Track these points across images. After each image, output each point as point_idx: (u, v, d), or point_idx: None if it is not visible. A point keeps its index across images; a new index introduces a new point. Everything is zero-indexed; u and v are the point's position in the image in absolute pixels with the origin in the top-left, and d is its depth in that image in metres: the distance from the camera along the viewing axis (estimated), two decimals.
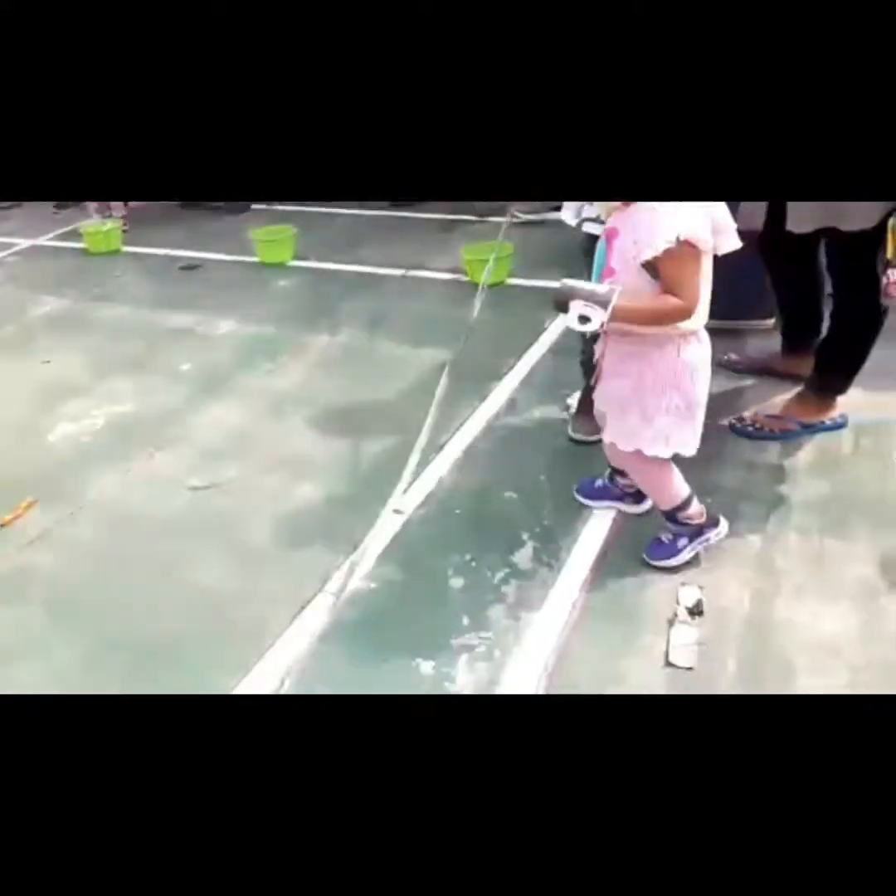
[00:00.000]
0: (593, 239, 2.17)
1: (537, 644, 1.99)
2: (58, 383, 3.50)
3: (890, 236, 2.42)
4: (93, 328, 4.06)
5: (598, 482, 2.45)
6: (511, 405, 3.06)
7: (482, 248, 4.06)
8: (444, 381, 2.77)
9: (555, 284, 1.94)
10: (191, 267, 4.74)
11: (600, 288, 1.88)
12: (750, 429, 2.72)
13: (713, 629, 1.97)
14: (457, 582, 2.20)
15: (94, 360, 3.68)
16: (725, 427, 2.77)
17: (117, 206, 5.52)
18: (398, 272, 4.44)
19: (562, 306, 1.90)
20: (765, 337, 3.26)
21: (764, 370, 3.08)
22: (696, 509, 2.17)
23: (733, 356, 3.17)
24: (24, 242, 5.42)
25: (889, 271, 2.51)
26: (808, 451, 2.61)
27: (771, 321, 3.32)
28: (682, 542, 2.19)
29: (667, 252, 1.81)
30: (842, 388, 2.69)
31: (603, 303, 1.85)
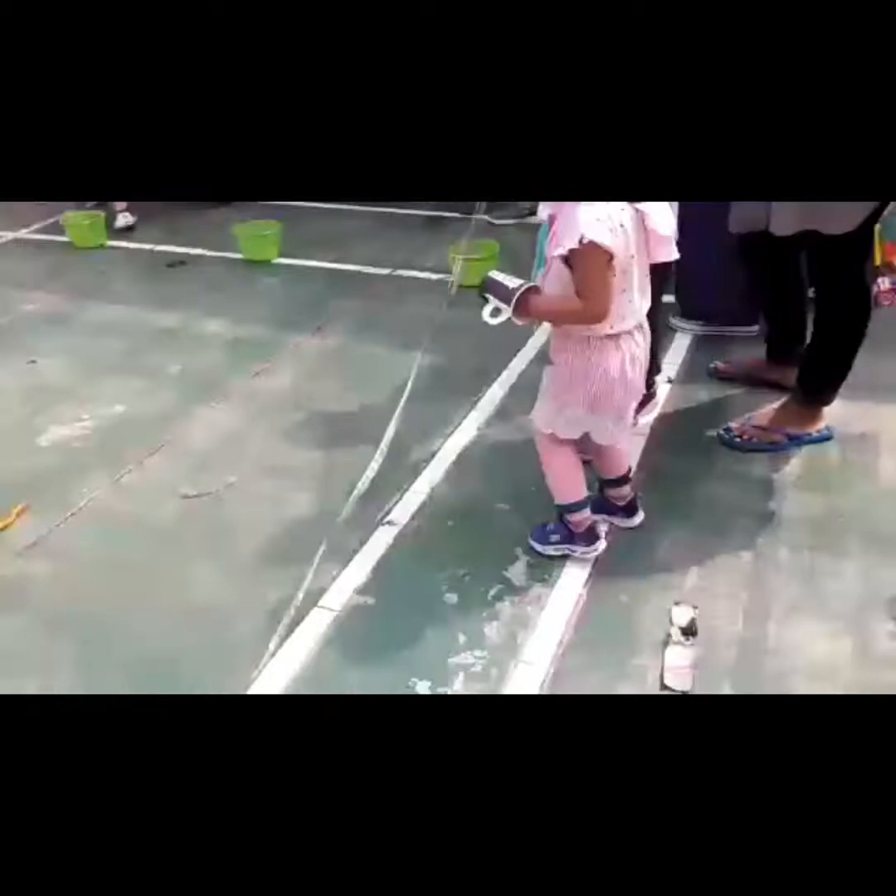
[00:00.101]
0: None
1: (533, 664, 2.01)
2: (45, 385, 3.47)
3: (877, 243, 2.46)
4: (79, 327, 4.02)
5: (590, 495, 2.47)
6: (501, 411, 3.08)
7: (469, 247, 4.06)
8: (409, 387, 2.77)
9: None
10: (176, 263, 4.70)
11: (512, 283, 1.99)
12: (737, 440, 2.75)
13: (706, 650, 2.01)
14: (451, 597, 2.22)
15: (81, 361, 3.65)
16: (713, 437, 2.80)
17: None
18: (385, 271, 4.43)
19: (484, 298, 2.02)
20: (751, 344, 3.29)
21: (749, 379, 3.12)
22: (579, 518, 2.27)
23: (720, 364, 3.20)
24: (7, 235, 5.34)
25: (879, 279, 2.55)
26: (795, 464, 2.65)
27: (756, 328, 3.35)
28: (555, 537, 2.32)
29: (573, 252, 1.86)
30: (827, 398, 2.72)
31: (508, 298, 1.96)
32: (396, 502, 2.60)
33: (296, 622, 2.16)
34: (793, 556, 2.28)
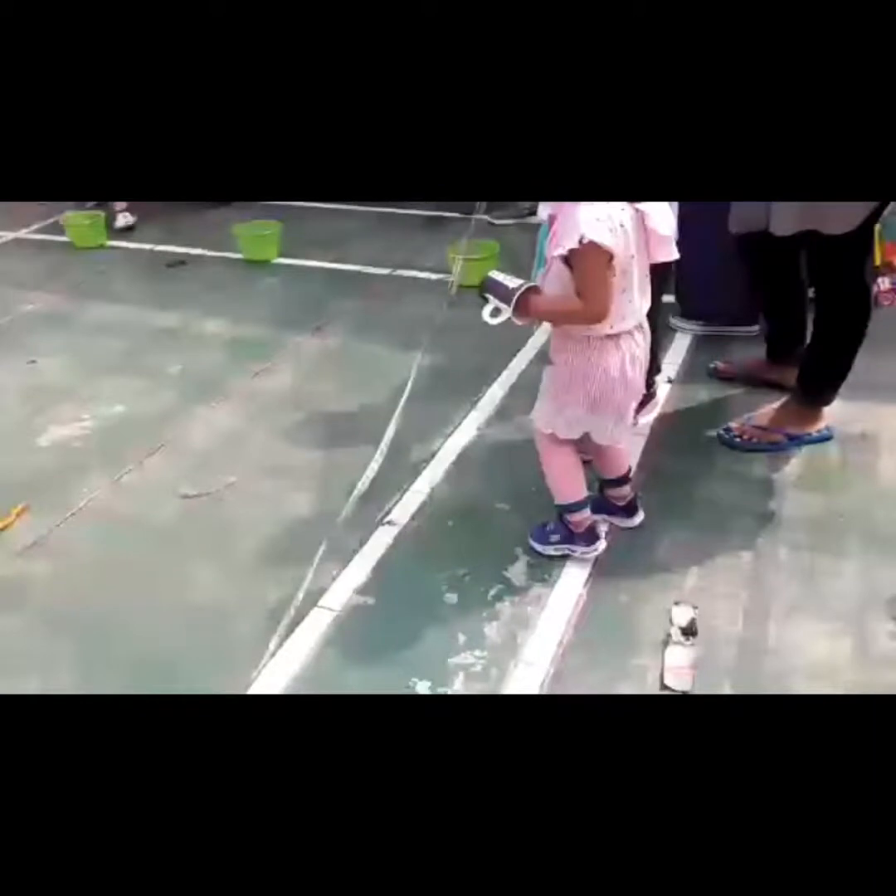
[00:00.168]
0: None
1: (533, 664, 2.01)
2: (45, 384, 3.47)
3: (877, 243, 2.46)
4: (79, 327, 4.02)
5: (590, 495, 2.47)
6: (501, 411, 3.08)
7: (469, 247, 4.07)
8: (409, 387, 2.78)
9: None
10: (176, 263, 4.70)
11: (511, 282, 2.00)
12: (737, 440, 2.75)
13: (706, 650, 2.01)
14: (451, 597, 2.22)
15: (81, 361, 3.65)
16: (713, 437, 2.80)
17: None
18: (385, 271, 4.43)
19: (484, 297, 2.03)
20: (751, 344, 3.29)
21: (750, 378, 3.12)
22: (579, 518, 2.28)
23: (720, 364, 3.20)
24: (6, 235, 5.34)
25: (879, 279, 2.55)
26: (795, 464, 2.65)
27: (756, 328, 3.35)
28: (555, 537, 2.32)
29: (572, 252, 1.86)
30: (826, 398, 2.72)
31: (508, 298, 1.96)
32: (396, 502, 2.60)
33: (296, 622, 2.16)
34: (793, 555, 2.28)
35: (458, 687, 1.96)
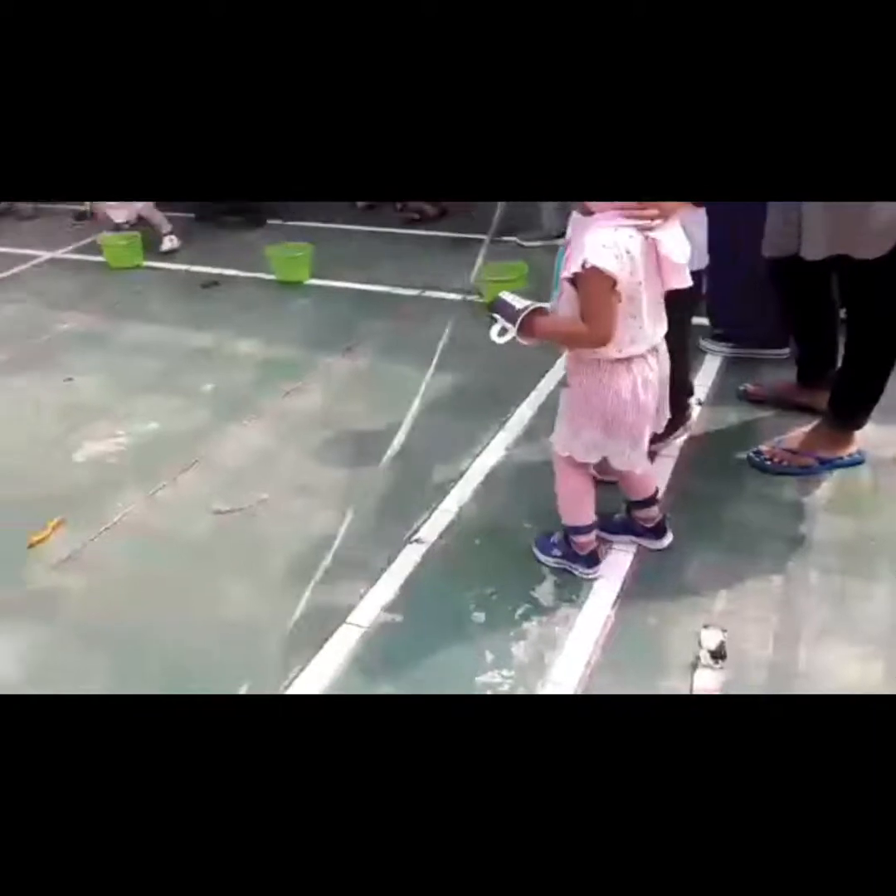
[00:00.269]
0: None
1: (560, 685, 2.01)
2: (81, 402, 3.54)
3: None
4: (115, 346, 4.09)
5: (617, 516, 2.48)
6: (529, 432, 3.09)
7: (498, 268, 4.11)
8: (416, 403, 2.79)
9: None
10: (210, 284, 4.77)
11: (519, 303, 2.02)
12: (768, 463, 2.74)
13: (735, 674, 2.00)
14: (479, 616, 2.23)
15: (117, 379, 3.71)
16: (743, 460, 2.80)
17: (119, 211, 5.34)
18: (413, 292, 4.47)
19: (493, 317, 2.05)
20: (781, 367, 3.28)
21: (781, 401, 3.11)
22: (584, 540, 2.31)
23: (750, 387, 3.20)
24: (43, 254, 5.45)
25: None
26: (826, 488, 2.63)
27: (787, 351, 3.35)
28: (556, 552, 2.37)
29: (577, 275, 1.88)
30: (858, 422, 2.70)
31: (513, 318, 1.99)
32: (424, 521, 2.62)
33: (324, 638, 2.18)
34: (823, 579, 2.26)
35: None
